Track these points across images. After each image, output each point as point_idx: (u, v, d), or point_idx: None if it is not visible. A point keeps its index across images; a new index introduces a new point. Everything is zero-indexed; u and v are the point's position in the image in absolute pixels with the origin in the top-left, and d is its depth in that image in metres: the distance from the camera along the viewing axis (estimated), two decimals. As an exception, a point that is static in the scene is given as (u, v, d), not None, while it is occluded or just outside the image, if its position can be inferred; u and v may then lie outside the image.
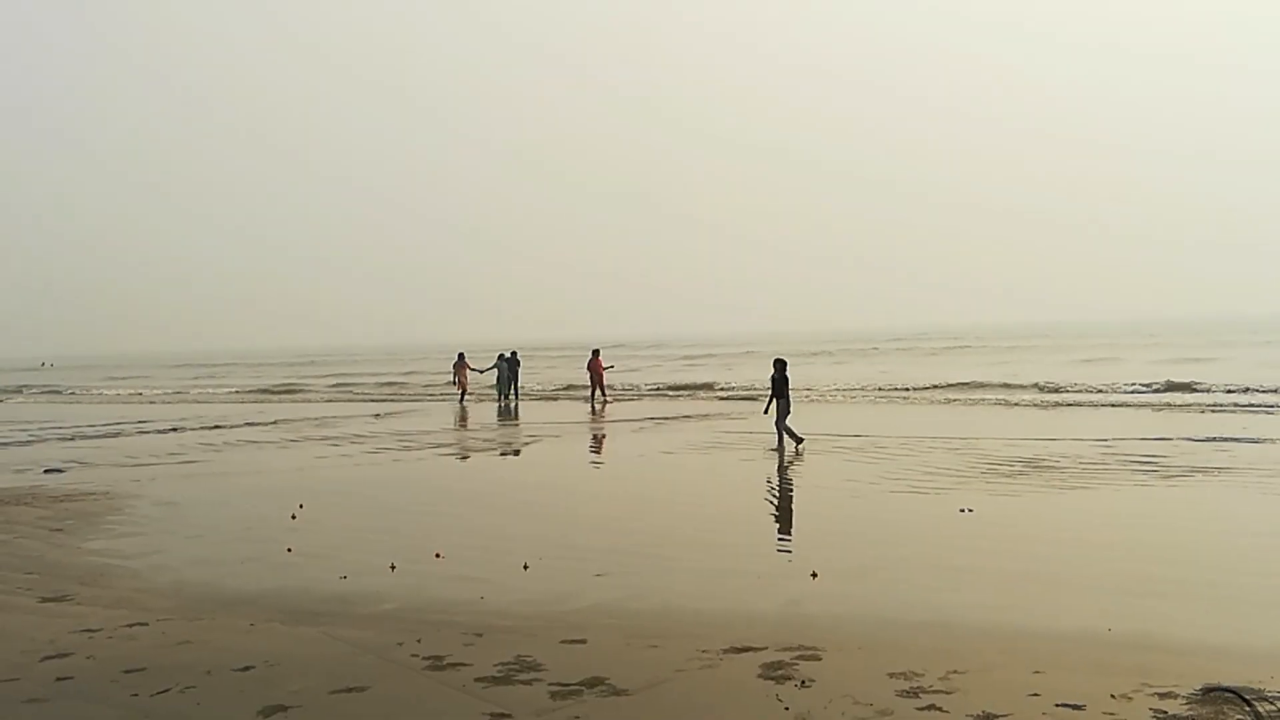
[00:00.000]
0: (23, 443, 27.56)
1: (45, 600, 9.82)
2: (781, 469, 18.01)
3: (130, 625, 8.73)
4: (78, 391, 63.42)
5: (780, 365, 21.59)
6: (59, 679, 7.28)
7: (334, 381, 60.91)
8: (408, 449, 23.02)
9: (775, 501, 15.29)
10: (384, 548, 11.74)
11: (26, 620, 9.05)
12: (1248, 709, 1.38)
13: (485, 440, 25.94)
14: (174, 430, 30.40)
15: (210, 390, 57.60)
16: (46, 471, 20.02)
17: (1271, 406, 27.41)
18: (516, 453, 23.28)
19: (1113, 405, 29.71)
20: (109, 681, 7.19)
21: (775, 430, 21.08)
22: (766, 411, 21.59)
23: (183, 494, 16.77)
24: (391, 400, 43.95)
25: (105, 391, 60.34)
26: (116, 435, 29.24)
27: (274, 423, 32.44)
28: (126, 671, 7.37)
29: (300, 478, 18.49)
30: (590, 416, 31.94)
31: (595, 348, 40.17)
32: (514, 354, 40.80)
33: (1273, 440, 19.80)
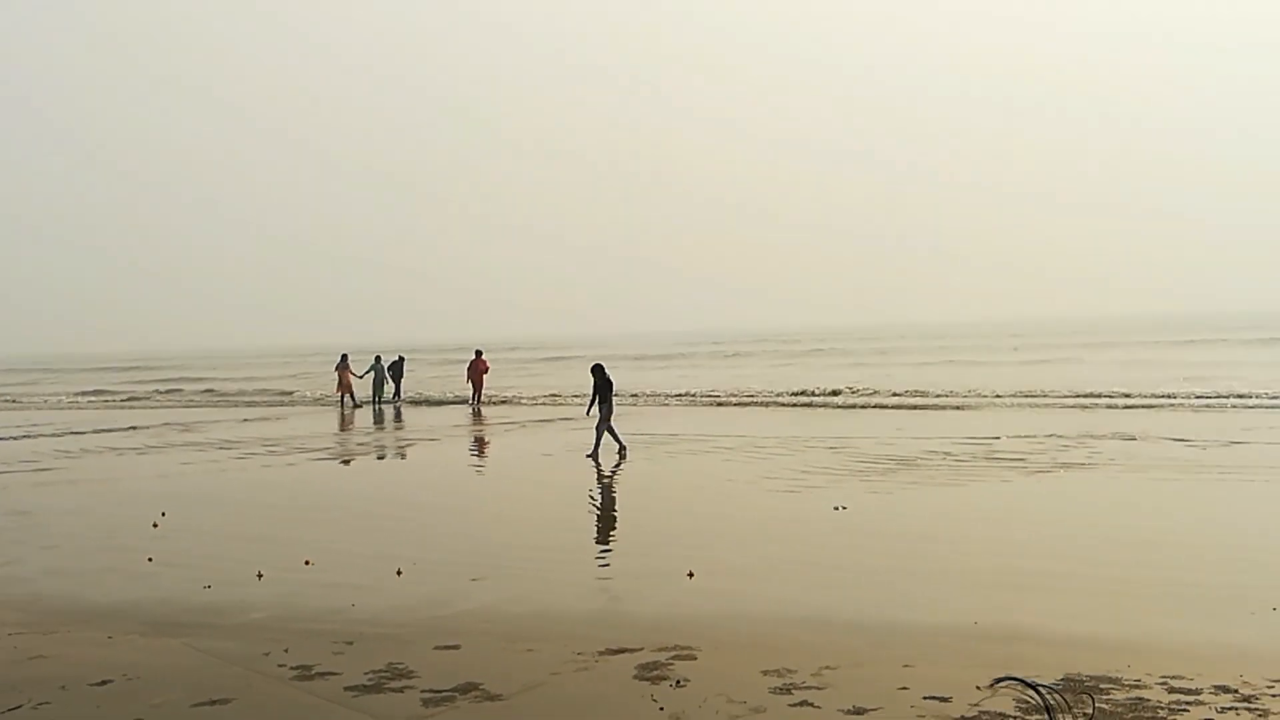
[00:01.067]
0: None
1: (-116, 617, 9.30)
2: (601, 475, 17.84)
3: (-22, 641, 8.32)
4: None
5: (599, 370, 21.07)
6: (-102, 700, 6.89)
7: (169, 388, 57.53)
8: (276, 454, 22.46)
9: (653, 502, 15.32)
10: (251, 556, 11.42)
11: None
12: (1034, 694, 1.45)
13: (359, 444, 25.50)
14: (26, 436, 29.16)
15: (57, 395, 55.05)
16: (-112, 481, 18.99)
17: (1138, 406, 28.51)
18: (391, 457, 22.92)
19: (991, 406, 30.56)
20: (-47, 701, 6.83)
21: (595, 434, 20.44)
22: (589, 413, 20.97)
23: (37, 503, 16.08)
24: (256, 405, 42.86)
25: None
26: (-34, 443, 27.90)
27: (131, 428, 31.31)
28: (-27, 690, 7.01)
29: (163, 484, 17.89)
30: (470, 419, 31.61)
31: (478, 348, 39.65)
32: (400, 358, 40.46)
33: (1132, 437, 20.57)
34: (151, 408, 43.48)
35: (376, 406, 37.24)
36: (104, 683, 7.11)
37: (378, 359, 38.64)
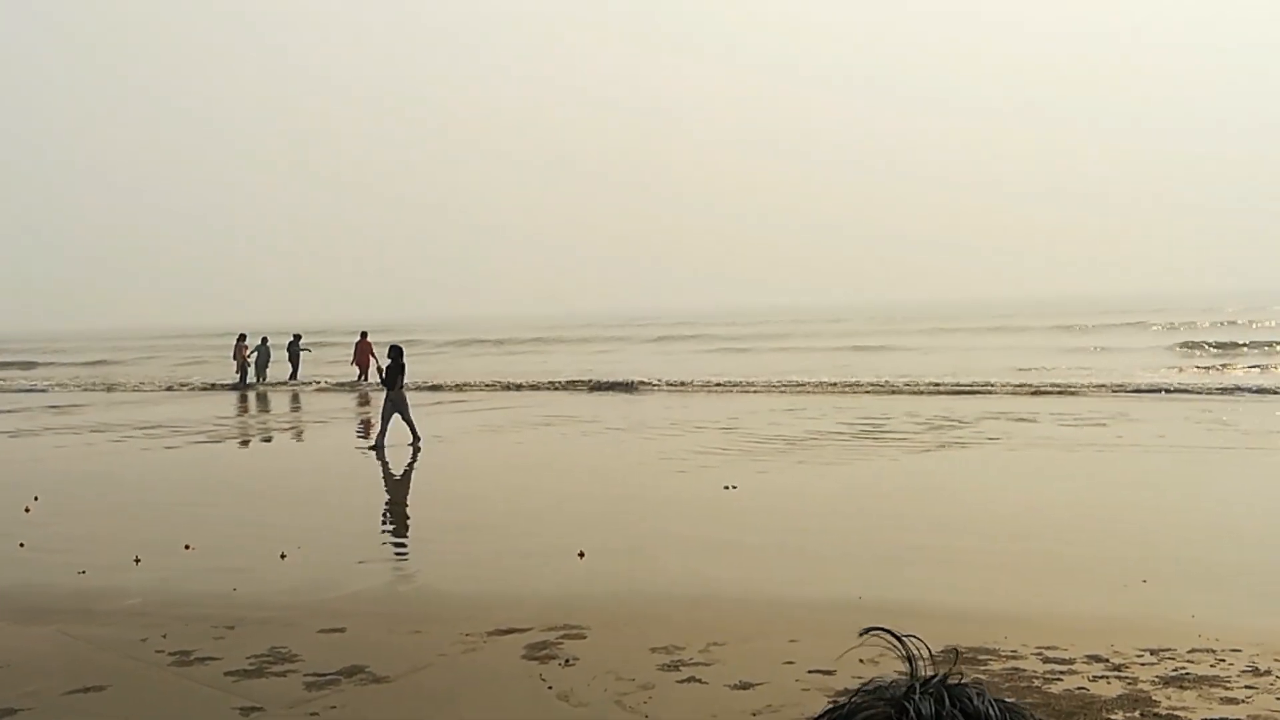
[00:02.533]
0: None
1: None
2: (387, 467, 16.87)
3: None
4: None
5: (396, 353, 19.40)
6: None
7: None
8: (154, 437, 21.82)
9: (544, 483, 15.26)
10: (128, 540, 11.07)
11: None
12: (899, 643, 1.48)
13: (242, 427, 24.94)
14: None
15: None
16: None
17: (1030, 390, 29.22)
18: (275, 440, 22.46)
19: (890, 392, 31.04)
20: None
21: (381, 422, 18.92)
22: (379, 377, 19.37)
23: (-101, 488, 15.38)
24: (130, 389, 41.55)
25: None
26: None
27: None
28: None
29: (36, 468, 17.27)
30: (358, 402, 31.08)
31: (363, 330, 38.84)
32: (296, 337, 39.37)
33: (1016, 418, 21.11)
34: None
35: (260, 388, 36.44)
36: (-29, 672, 6.85)
37: (264, 340, 37.78)
